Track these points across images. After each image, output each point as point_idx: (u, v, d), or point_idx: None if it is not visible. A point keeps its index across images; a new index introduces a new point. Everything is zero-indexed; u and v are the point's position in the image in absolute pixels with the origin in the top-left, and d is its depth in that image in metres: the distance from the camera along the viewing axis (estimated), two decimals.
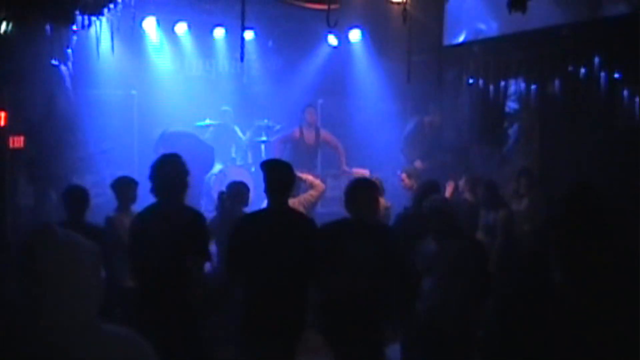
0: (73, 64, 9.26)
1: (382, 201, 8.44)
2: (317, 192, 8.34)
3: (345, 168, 10.59)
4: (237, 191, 7.53)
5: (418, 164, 10.26)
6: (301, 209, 7.94)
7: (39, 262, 2.14)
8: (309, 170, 10.17)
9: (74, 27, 8.06)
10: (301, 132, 10.49)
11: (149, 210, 5.40)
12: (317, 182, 8.60)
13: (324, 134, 10.72)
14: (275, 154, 10.14)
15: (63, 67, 9.17)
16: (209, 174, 10.72)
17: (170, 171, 5.23)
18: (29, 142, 8.99)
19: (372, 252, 5.10)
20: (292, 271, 5.11)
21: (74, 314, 2.16)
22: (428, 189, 6.94)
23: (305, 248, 5.20)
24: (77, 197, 6.32)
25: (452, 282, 5.39)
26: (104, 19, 8.38)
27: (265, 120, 11.03)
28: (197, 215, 5.32)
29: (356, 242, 5.12)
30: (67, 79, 9.31)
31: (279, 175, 5.31)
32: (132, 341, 2.27)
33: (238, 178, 10.28)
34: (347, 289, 5.06)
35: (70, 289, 2.15)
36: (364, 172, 10.23)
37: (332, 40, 11.32)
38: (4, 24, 7.33)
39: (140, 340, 2.28)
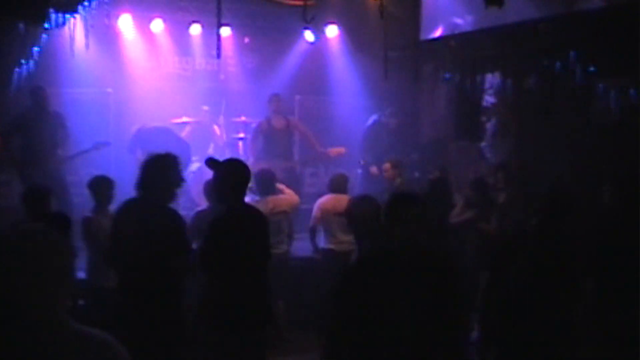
0: (47, 62, 9.15)
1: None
2: (295, 202, 8.37)
3: (320, 149, 10.48)
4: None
5: (374, 169, 10.24)
6: (285, 206, 7.98)
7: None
8: (286, 159, 10.17)
9: (47, 25, 7.94)
10: (268, 122, 10.31)
11: (131, 207, 5.33)
12: (293, 194, 8.54)
13: (293, 120, 10.65)
14: (253, 153, 10.11)
15: (24, 66, 9.07)
16: (186, 172, 10.65)
17: (166, 169, 5.19)
18: (19, 140, 8.74)
19: (425, 294, 3.64)
20: (258, 267, 5.27)
21: (41, 308, 2.16)
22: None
23: (266, 243, 5.42)
24: (38, 196, 6.33)
25: None
26: (78, 16, 8.28)
27: (243, 117, 10.97)
28: (176, 214, 5.29)
29: (404, 280, 3.65)
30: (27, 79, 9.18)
31: (241, 174, 5.35)
32: (105, 342, 2.26)
33: None
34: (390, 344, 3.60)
35: (34, 280, 2.15)
36: (340, 150, 10.26)
37: (309, 36, 11.29)
38: None
39: (115, 342, 2.28)
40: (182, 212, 9.19)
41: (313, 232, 8.37)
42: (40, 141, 8.72)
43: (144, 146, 9.61)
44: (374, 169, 10.22)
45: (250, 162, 9.73)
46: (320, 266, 8.21)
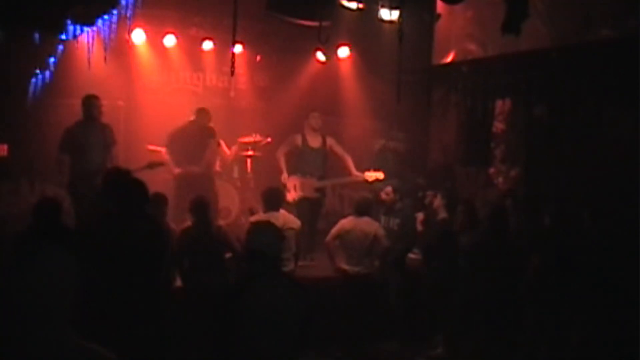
0: (60, 73, 9.18)
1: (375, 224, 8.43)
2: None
3: (356, 173, 9.89)
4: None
5: (384, 195, 10.00)
6: (294, 224, 8.04)
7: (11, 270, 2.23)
8: (318, 179, 9.79)
9: (63, 37, 7.97)
10: (304, 138, 9.86)
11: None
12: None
13: (331, 141, 10.04)
14: (286, 169, 9.71)
15: (49, 77, 9.07)
16: None
17: None
18: (71, 155, 8.44)
19: None
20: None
21: (44, 321, 2.21)
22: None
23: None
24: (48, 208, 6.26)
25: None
26: (94, 28, 8.32)
27: (252, 135, 10.96)
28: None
29: None
30: (40, 89, 9.10)
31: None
32: (102, 356, 2.31)
33: (223, 192, 10.27)
34: None
35: (38, 295, 2.20)
36: (379, 176, 9.77)
37: (321, 56, 11.32)
38: None
39: (113, 357, 2.33)
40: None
41: (329, 249, 8.35)
42: (90, 155, 8.46)
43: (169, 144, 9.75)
44: (383, 195, 10.04)
45: (282, 178, 9.59)
46: (336, 286, 8.21)
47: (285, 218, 7.93)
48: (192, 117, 10.15)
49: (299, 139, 9.86)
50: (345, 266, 8.22)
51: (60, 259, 2.29)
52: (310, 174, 9.73)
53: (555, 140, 9.54)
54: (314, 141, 9.88)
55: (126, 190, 5.70)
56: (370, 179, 9.79)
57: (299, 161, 9.81)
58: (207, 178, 9.95)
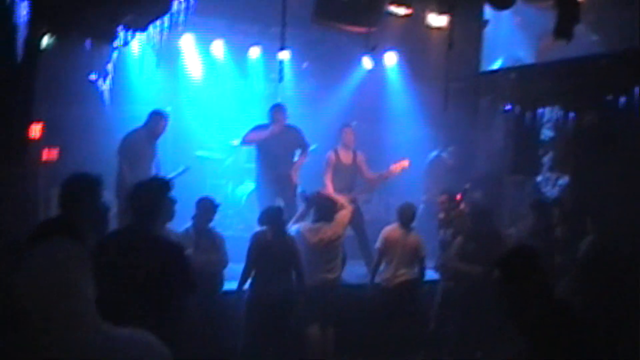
0: (111, 79, 9.30)
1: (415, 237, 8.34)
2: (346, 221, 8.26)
3: (380, 173, 9.75)
4: None
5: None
6: (341, 230, 7.98)
7: (28, 268, 2.24)
8: (349, 191, 9.60)
9: (115, 44, 8.09)
10: (337, 155, 9.63)
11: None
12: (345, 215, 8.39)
13: (360, 156, 9.80)
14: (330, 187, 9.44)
15: (100, 83, 9.20)
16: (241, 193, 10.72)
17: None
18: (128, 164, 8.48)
19: None
20: None
21: (68, 315, 2.20)
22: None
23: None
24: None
25: None
26: (145, 34, 8.43)
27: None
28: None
29: None
30: (106, 95, 9.24)
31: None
32: (146, 341, 2.30)
33: None
34: None
35: (60, 292, 2.20)
36: (403, 164, 9.55)
37: (367, 63, 11.32)
38: (45, 38, 7.40)
39: (155, 341, 2.32)
40: (234, 234, 9.35)
41: (377, 267, 8.25)
42: (146, 167, 8.57)
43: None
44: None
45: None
46: (372, 300, 8.16)
47: (334, 229, 7.86)
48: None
49: (333, 157, 9.63)
50: (382, 280, 8.15)
51: (70, 248, 2.32)
52: (342, 191, 9.42)
53: (605, 148, 9.39)
54: (346, 157, 9.67)
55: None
56: (396, 170, 9.55)
57: (334, 176, 9.58)
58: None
